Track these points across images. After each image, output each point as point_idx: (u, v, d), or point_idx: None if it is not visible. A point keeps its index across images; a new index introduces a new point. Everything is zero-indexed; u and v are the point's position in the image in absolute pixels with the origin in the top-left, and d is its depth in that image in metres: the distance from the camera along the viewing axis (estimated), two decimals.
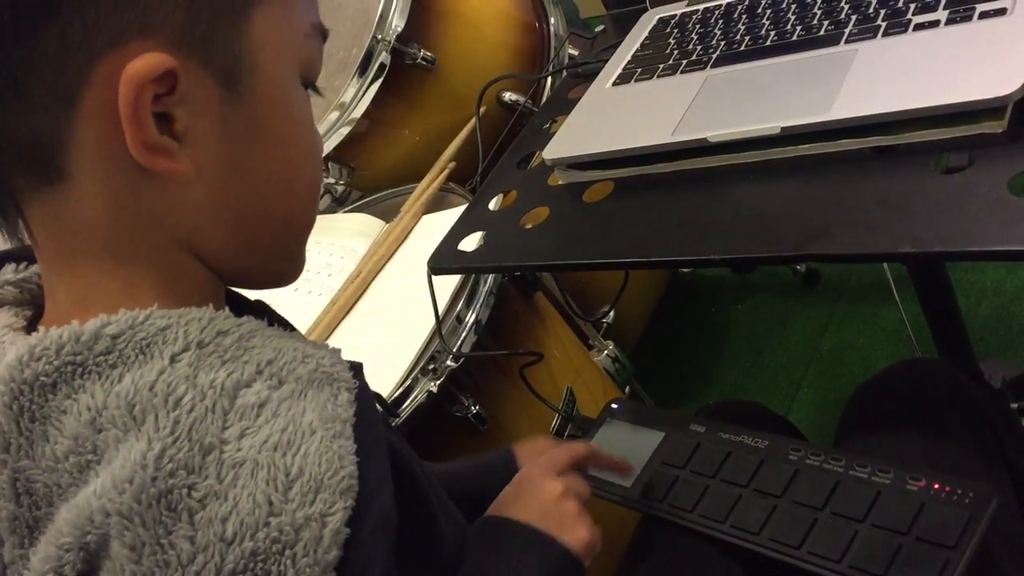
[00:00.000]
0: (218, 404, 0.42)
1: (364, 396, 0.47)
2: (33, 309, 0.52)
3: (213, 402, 0.42)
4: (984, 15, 0.69)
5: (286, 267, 0.55)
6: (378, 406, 0.84)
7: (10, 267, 0.53)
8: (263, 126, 0.49)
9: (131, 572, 0.39)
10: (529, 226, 0.85)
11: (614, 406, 0.93)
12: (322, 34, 0.52)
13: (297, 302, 1.20)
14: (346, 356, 0.50)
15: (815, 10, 0.82)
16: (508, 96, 1.42)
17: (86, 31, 0.43)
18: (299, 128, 0.51)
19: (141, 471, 0.40)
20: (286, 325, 0.56)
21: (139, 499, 0.39)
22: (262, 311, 0.52)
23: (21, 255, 0.53)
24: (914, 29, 0.72)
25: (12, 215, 0.48)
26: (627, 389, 1.44)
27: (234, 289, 0.57)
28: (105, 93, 0.43)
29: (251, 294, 0.58)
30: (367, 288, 1.21)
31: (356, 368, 0.49)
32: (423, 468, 0.58)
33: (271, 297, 0.58)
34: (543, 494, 0.67)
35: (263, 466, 0.41)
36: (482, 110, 1.24)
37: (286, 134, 0.50)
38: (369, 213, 1.37)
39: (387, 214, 1.33)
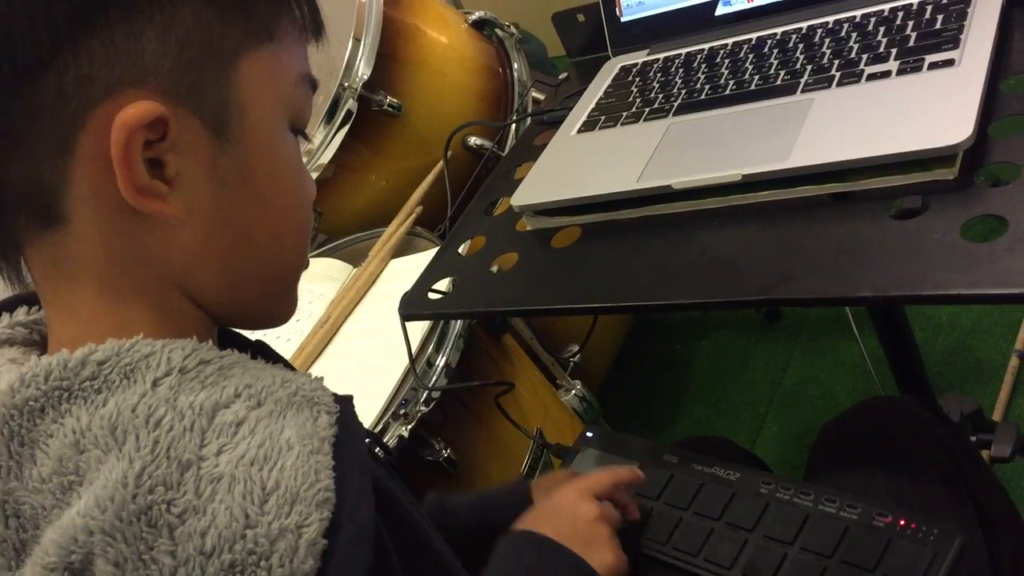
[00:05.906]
0: (196, 423, 0.43)
1: (347, 421, 0.48)
2: (41, 350, 0.53)
3: (192, 421, 0.43)
4: (933, 66, 0.72)
5: (277, 308, 0.57)
6: (367, 440, 0.84)
7: (22, 309, 0.55)
8: (252, 170, 0.50)
9: None
10: (497, 270, 0.86)
11: (589, 435, 0.93)
12: (311, 83, 0.54)
13: None
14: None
15: (771, 60, 0.85)
16: (474, 141, 1.44)
17: (80, 82, 0.44)
18: (287, 173, 0.53)
19: (122, 489, 0.41)
20: (279, 361, 0.57)
21: (120, 516, 0.40)
22: (258, 351, 0.53)
23: (35, 299, 0.54)
24: (867, 79, 0.75)
25: (14, 258, 0.50)
26: None
27: (234, 330, 0.58)
28: (99, 140, 0.45)
29: (250, 336, 0.59)
30: (336, 333, 1.21)
31: (344, 399, 0.50)
32: (415, 504, 0.58)
33: None
34: (577, 513, 0.69)
35: (240, 480, 0.41)
36: (448, 155, 1.25)
37: (274, 178, 0.52)
38: (337, 257, 1.38)
39: (355, 258, 1.34)
